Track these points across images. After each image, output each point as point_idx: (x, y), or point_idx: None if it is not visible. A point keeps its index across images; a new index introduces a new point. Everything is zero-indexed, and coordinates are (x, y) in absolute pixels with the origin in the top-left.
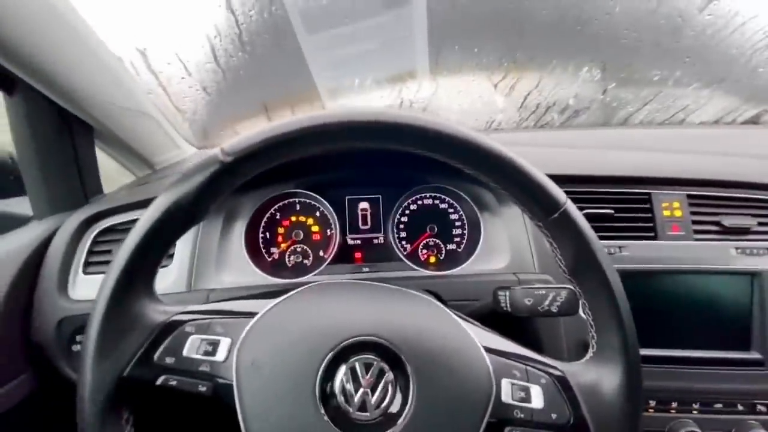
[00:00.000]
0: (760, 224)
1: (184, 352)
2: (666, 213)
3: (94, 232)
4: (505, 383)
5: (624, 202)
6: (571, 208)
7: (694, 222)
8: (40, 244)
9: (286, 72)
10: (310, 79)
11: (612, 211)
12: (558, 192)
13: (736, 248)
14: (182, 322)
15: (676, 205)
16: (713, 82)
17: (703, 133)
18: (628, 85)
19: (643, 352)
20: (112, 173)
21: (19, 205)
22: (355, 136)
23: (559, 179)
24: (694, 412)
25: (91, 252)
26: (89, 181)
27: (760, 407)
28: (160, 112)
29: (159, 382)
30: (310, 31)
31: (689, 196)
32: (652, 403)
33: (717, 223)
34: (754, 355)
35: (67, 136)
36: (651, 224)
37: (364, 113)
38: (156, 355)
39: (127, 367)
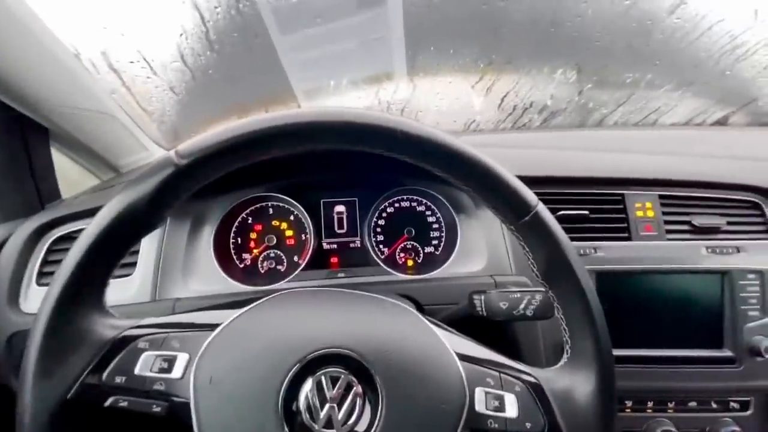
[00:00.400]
0: (729, 224)
1: (137, 370)
2: (639, 213)
3: (49, 240)
4: (479, 392)
5: (598, 203)
6: (543, 211)
7: (666, 222)
8: None
9: (259, 72)
10: (285, 80)
11: (587, 212)
12: (529, 195)
13: (707, 247)
14: (135, 338)
15: (648, 205)
16: (683, 84)
17: (675, 134)
18: (603, 87)
19: (618, 352)
20: (77, 177)
21: None
22: (320, 138)
23: (535, 181)
24: (670, 411)
25: (45, 262)
26: (45, 186)
27: (733, 404)
28: (125, 112)
29: (108, 403)
30: (284, 31)
31: (661, 197)
32: (629, 403)
33: (688, 223)
34: (726, 352)
35: (19, 140)
36: (624, 225)
37: (329, 113)
38: (105, 375)
39: (72, 388)
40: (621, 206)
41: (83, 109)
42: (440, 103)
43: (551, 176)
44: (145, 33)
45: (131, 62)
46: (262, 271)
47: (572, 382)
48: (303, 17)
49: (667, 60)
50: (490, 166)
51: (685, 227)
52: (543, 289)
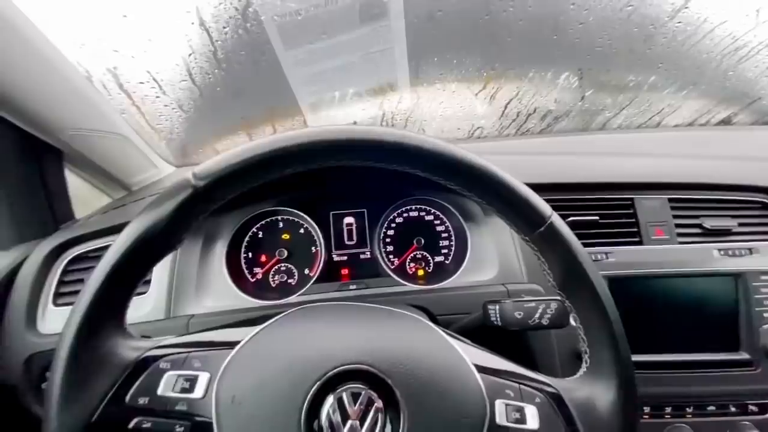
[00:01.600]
0: (741, 225)
1: (159, 391)
2: (649, 217)
3: (65, 261)
4: (499, 404)
5: (608, 208)
6: (557, 221)
7: (677, 225)
8: (5, 276)
9: (265, 88)
10: (291, 94)
11: (597, 218)
12: (543, 205)
13: (719, 250)
14: (156, 358)
15: (658, 208)
16: (686, 86)
17: (679, 135)
18: (606, 91)
19: (634, 358)
20: (87, 195)
21: None
22: (333, 155)
23: (543, 188)
24: (688, 416)
25: (61, 282)
26: (59, 206)
27: (751, 407)
28: (135, 132)
29: (132, 425)
30: (289, 46)
31: (671, 200)
32: (647, 409)
33: (699, 226)
34: (743, 355)
35: (33, 162)
36: (635, 229)
37: (342, 131)
38: (128, 396)
39: (96, 411)
40: (631, 210)
41: (95, 131)
42: (444, 112)
43: (560, 182)
44: (154, 54)
45: (141, 83)
46: (274, 285)
47: (593, 391)
48: (307, 33)
49: (670, 63)
50: (503, 178)
51: (696, 230)
52: (557, 298)
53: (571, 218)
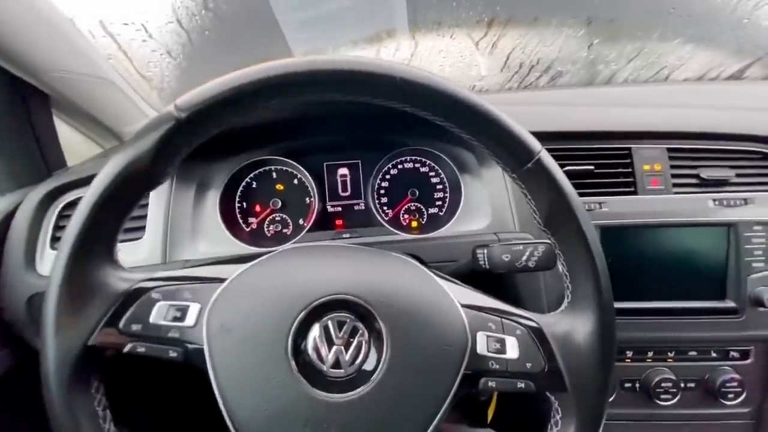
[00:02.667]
0: (738, 176)
1: (151, 319)
2: (646, 167)
3: (60, 206)
4: (481, 336)
5: (605, 158)
6: (546, 157)
7: (674, 176)
8: (1, 222)
9: (257, 34)
10: (284, 42)
11: (593, 167)
12: (532, 141)
13: (714, 200)
14: (148, 289)
15: (656, 158)
16: (697, 36)
17: (688, 88)
18: (613, 41)
19: (622, 305)
20: (83, 149)
21: None
22: (320, 86)
23: (539, 136)
24: (669, 360)
25: (57, 227)
26: (51, 153)
27: (733, 353)
28: (124, 79)
29: (127, 349)
30: None
31: (669, 150)
32: (629, 353)
33: (696, 176)
34: (729, 303)
35: (21, 107)
36: (631, 179)
37: (328, 61)
38: (122, 323)
39: (91, 336)
40: (628, 160)
41: (80, 74)
42: (444, 62)
43: (556, 131)
44: None
45: (125, 24)
46: (269, 234)
47: (572, 325)
48: None
49: (682, 8)
50: (492, 113)
51: (693, 180)
52: (545, 241)
53: (567, 167)
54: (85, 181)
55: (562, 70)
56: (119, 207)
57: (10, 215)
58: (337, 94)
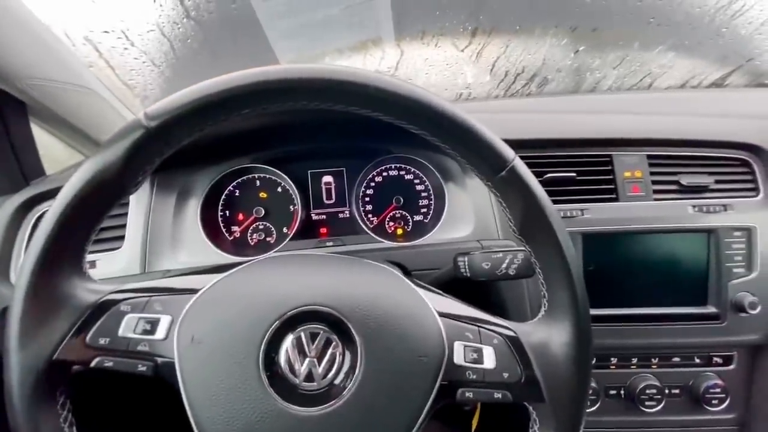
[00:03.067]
0: (718, 182)
1: (120, 332)
2: (627, 174)
3: (36, 215)
4: (458, 345)
5: (586, 165)
6: (519, 165)
7: (654, 182)
8: None
9: (242, 42)
10: (269, 50)
11: (574, 174)
12: (505, 149)
13: (693, 206)
14: (117, 302)
15: (636, 165)
16: (677, 44)
17: (670, 96)
18: (596, 49)
19: (604, 311)
20: (64, 156)
21: None
22: (293, 94)
23: (521, 144)
24: (654, 366)
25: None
26: (28, 162)
27: (716, 359)
28: (106, 87)
29: (94, 363)
30: None
31: (649, 157)
32: (613, 360)
33: (676, 183)
34: (710, 309)
35: None
36: (612, 186)
37: (300, 69)
38: (88, 337)
39: (57, 350)
40: (609, 167)
41: (58, 82)
42: (430, 70)
43: (537, 138)
44: (117, 0)
45: (105, 32)
46: (252, 243)
47: (549, 334)
48: None
49: (662, 17)
50: (465, 121)
51: (673, 186)
52: (524, 248)
53: (548, 175)
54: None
55: (548, 78)
56: (87, 217)
57: None
58: (311, 103)
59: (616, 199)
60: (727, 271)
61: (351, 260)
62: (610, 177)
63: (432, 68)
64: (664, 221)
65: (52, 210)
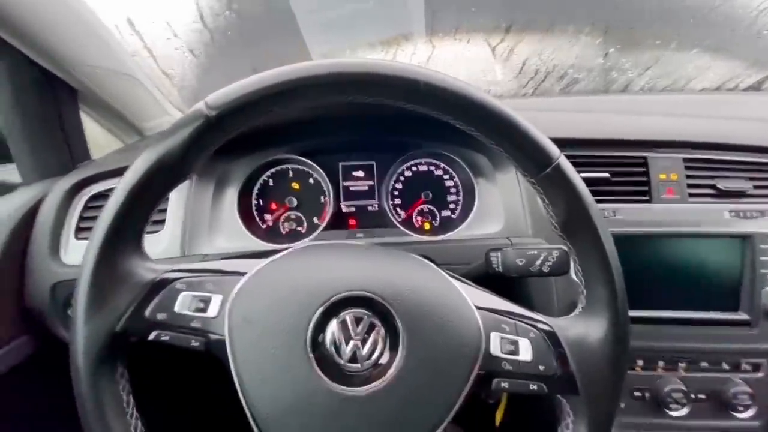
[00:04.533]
0: (756, 188)
1: (176, 308)
2: (662, 176)
3: (84, 198)
4: (494, 337)
5: (620, 166)
6: (564, 163)
7: (690, 185)
8: (29, 210)
9: (276, 35)
10: (302, 42)
11: (607, 175)
12: (551, 147)
13: (730, 211)
14: (172, 280)
15: (672, 168)
16: (715, 46)
17: (705, 99)
18: (630, 49)
19: (633, 313)
20: (100, 140)
21: (8, 173)
22: (344, 88)
23: (555, 142)
24: (680, 370)
25: (82, 218)
26: (76, 146)
27: (744, 366)
28: (147, 76)
29: (152, 337)
30: None
31: (686, 160)
32: (640, 362)
33: (713, 187)
34: (742, 315)
35: (51, 100)
36: (646, 188)
37: (354, 63)
38: (147, 311)
39: (119, 323)
40: (644, 169)
41: (106, 69)
42: (459, 66)
43: (571, 138)
44: None
45: (152, 22)
46: (283, 232)
47: (586, 329)
48: None
49: (701, 18)
50: (512, 118)
51: (710, 191)
52: (560, 246)
53: (582, 174)
54: (110, 174)
55: (578, 77)
56: (148, 200)
57: (37, 205)
58: (360, 97)
59: (649, 201)
60: (761, 278)
61: (390, 251)
62: (644, 179)
63: (462, 64)
64: (699, 225)
65: (118, 192)
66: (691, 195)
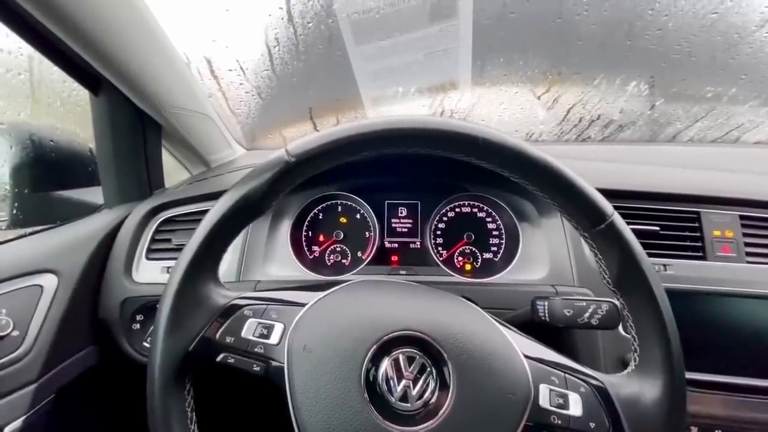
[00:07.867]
0: None
1: (242, 333)
2: (716, 233)
3: (157, 222)
4: (543, 388)
5: (670, 220)
6: (618, 220)
7: (747, 244)
8: (111, 230)
9: (333, 80)
10: (355, 88)
11: (657, 228)
12: (605, 203)
13: None
14: (241, 306)
15: (727, 225)
16: None
17: (759, 152)
18: (678, 101)
19: (689, 375)
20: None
21: (89, 194)
22: (408, 143)
23: (603, 193)
24: None
25: (153, 240)
26: (154, 175)
27: None
28: (218, 114)
29: (219, 359)
30: (359, 42)
31: (742, 217)
32: (694, 429)
33: None
34: None
35: (140, 134)
36: (699, 243)
37: (417, 120)
38: (218, 334)
39: (192, 343)
40: (696, 224)
41: (189, 110)
42: (503, 113)
43: (620, 189)
44: (244, 44)
45: (230, 70)
46: (329, 263)
47: (640, 389)
48: (378, 30)
49: (755, 74)
50: (566, 174)
51: None
52: (610, 299)
53: (631, 227)
54: (181, 202)
55: (623, 125)
56: (229, 231)
57: (117, 226)
58: (423, 150)
59: (703, 258)
60: None
61: (440, 292)
62: (698, 234)
63: (506, 111)
64: (756, 286)
65: (204, 224)
66: (748, 254)
